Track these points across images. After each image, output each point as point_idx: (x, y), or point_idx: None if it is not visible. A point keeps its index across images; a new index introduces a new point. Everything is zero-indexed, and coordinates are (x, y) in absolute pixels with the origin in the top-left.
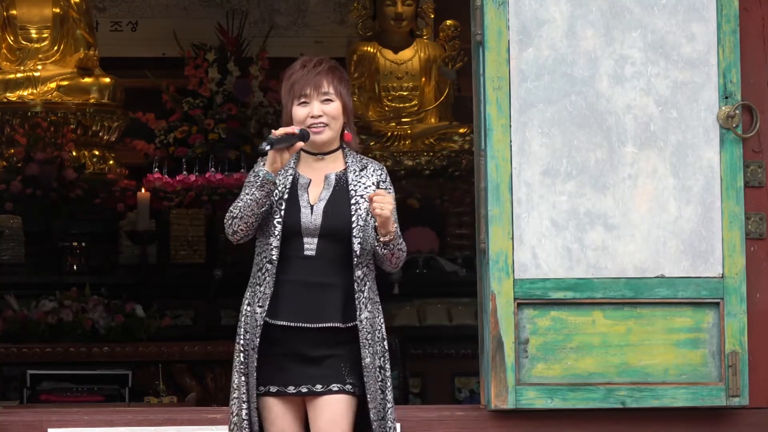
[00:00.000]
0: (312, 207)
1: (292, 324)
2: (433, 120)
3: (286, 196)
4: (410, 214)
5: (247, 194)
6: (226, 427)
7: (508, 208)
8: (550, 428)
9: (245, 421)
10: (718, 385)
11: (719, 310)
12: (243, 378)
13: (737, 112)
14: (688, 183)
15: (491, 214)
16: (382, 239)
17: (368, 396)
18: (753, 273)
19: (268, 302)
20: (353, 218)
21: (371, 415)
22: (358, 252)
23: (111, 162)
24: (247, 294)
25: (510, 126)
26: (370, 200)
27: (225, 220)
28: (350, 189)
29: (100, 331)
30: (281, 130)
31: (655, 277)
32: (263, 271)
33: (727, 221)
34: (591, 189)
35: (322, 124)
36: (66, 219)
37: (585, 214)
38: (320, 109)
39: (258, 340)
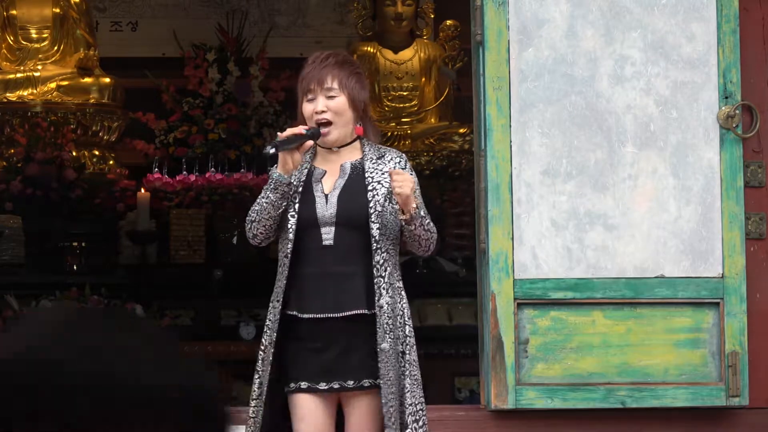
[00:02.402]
0: (326, 196)
1: (318, 315)
2: (433, 120)
3: (300, 189)
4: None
5: (263, 197)
6: None
7: (508, 208)
8: (550, 428)
9: (254, 419)
10: (718, 385)
11: (719, 310)
12: (257, 375)
13: (737, 112)
14: (688, 183)
15: (491, 214)
16: (402, 217)
17: (382, 383)
18: (753, 273)
19: (282, 296)
20: (370, 204)
21: (383, 402)
22: (377, 237)
23: (111, 162)
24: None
25: (510, 126)
26: (391, 177)
27: (245, 225)
28: (366, 176)
29: None
30: (288, 131)
31: (655, 277)
32: (281, 265)
33: (727, 221)
34: (591, 189)
35: (325, 120)
36: (66, 219)
37: (585, 214)
38: (324, 105)
39: (276, 334)
